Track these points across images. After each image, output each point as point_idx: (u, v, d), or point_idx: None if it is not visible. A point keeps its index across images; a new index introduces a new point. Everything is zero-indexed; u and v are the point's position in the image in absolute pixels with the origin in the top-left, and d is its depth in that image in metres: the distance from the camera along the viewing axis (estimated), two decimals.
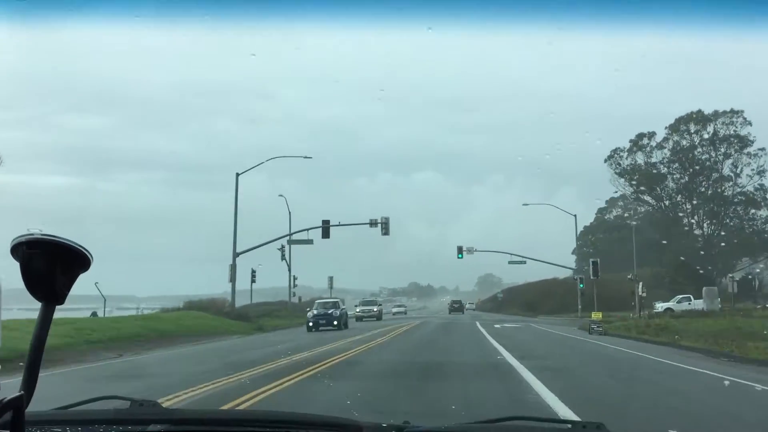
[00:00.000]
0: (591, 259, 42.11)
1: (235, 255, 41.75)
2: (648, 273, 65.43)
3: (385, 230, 43.66)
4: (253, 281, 46.99)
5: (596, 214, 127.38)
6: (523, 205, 64.78)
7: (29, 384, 1.51)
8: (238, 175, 42.45)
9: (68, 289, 1.55)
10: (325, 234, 43.88)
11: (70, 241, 1.50)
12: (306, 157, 43.74)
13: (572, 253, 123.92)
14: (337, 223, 44.63)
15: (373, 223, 44.07)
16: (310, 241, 46.26)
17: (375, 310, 55.82)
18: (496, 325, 37.90)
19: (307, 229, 45.01)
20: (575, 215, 65.32)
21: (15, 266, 1.52)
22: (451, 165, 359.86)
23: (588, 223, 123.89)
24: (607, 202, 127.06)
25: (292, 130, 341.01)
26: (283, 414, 2.61)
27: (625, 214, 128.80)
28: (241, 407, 9.04)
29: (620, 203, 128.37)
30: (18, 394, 1.46)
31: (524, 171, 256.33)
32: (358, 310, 55.56)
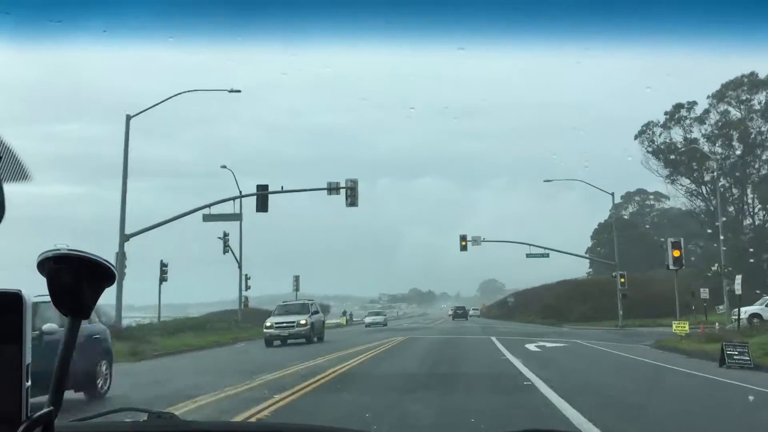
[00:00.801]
0: (670, 239, 27.72)
1: (123, 238, 27.40)
2: (688, 272, 51.48)
3: (352, 199, 29.04)
4: (163, 279, 32.91)
5: (611, 210, 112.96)
6: (545, 181, 50.15)
7: (56, 398, 1.53)
8: (129, 117, 28.51)
9: (94, 303, 1.57)
10: (262, 206, 29.35)
11: (95, 255, 1.52)
12: (232, 91, 29.59)
13: (586, 253, 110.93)
14: (280, 189, 30.25)
15: (332, 189, 29.54)
16: (236, 217, 32.11)
17: (302, 323, 29.52)
18: (531, 346, 23.24)
19: (233, 198, 30.60)
20: (612, 193, 51.12)
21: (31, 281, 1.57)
22: (454, 170, 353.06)
23: (603, 220, 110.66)
24: (622, 197, 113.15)
25: (292, 135, 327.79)
26: (294, 426, 2.56)
27: (645, 209, 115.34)
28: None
29: (637, 198, 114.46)
30: (47, 409, 1.48)
31: (529, 175, 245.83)
32: (267, 325, 29.73)
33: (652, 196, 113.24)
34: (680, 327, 25.24)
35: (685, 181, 71.17)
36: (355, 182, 29.33)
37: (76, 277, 1.50)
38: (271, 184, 30.40)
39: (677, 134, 70.32)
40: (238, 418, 8.97)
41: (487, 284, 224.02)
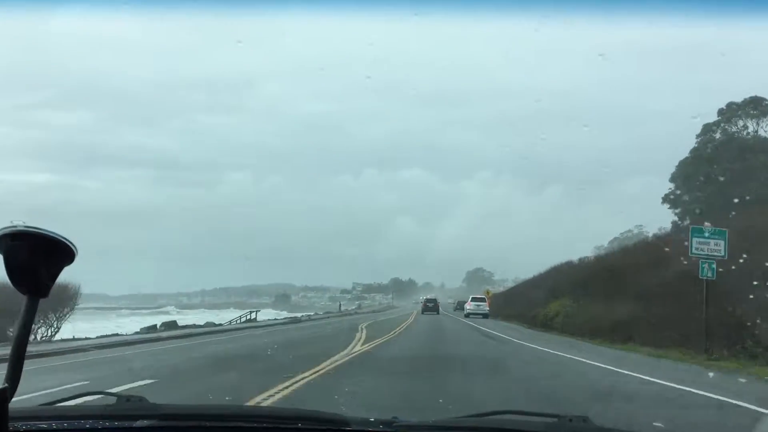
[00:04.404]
0: None
1: None
2: None
3: None
4: None
5: (698, 136, 65.72)
6: None
7: (13, 377, 1.51)
8: None
9: (52, 282, 1.54)
10: None
11: (54, 233, 1.49)
12: None
13: (664, 203, 65.43)
14: None
15: None
16: None
17: None
18: None
19: None
20: None
21: None
22: (438, 160, 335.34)
23: (688, 152, 63.67)
24: (720, 112, 64.70)
25: (276, 125, 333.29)
26: (271, 409, 2.70)
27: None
28: None
29: (750, 109, 64.84)
30: (2, 386, 1.47)
31: (513, 165, 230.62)
32: None
33: None
34: None
35: None
36: None
37: (33, 255, 1.45)
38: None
39: None
40: None
41: (473, 273, 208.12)
